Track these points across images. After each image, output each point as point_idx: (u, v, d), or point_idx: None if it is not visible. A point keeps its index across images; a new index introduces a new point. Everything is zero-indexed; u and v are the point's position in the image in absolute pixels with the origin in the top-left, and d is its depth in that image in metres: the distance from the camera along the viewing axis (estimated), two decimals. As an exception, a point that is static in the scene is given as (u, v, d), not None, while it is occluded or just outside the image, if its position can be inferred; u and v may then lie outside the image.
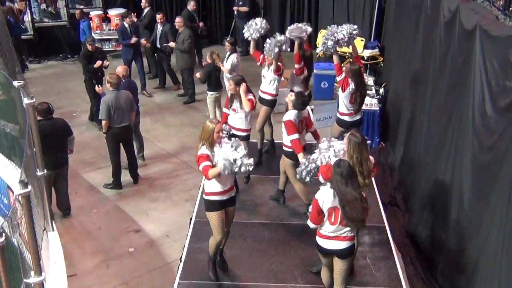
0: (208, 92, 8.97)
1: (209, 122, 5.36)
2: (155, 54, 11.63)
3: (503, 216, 4.20)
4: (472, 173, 5.00)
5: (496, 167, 4.42)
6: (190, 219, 7.00)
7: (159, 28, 11.08)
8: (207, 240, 6.23)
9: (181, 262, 6.22)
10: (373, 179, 6.36)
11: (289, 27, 7.98)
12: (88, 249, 6.66)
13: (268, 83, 7.77)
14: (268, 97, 7.82)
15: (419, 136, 7.01)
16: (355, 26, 7.43)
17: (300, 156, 6.15)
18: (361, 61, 10.71)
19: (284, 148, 6.54)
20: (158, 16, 11.11)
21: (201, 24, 12.50)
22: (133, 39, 10.85)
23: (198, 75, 8.91)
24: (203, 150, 5.31)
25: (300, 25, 7.92)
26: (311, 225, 4.91)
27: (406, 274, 6.08)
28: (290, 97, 6.43)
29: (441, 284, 5.70)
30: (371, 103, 9.13)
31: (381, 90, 9.93)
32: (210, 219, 5.55)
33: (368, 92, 9.57)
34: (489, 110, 4.66)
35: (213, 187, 5.38)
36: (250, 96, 6.79)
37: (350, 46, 7.66)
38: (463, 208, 5.17)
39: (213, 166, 5.14)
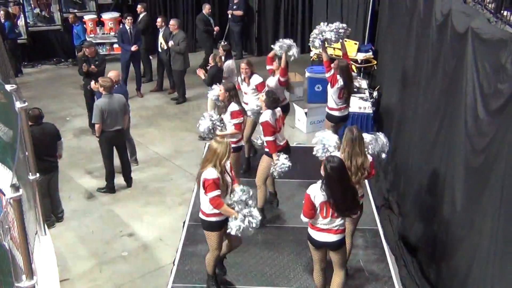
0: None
1: (217, 143, 5.09)
2: (157, 58, 11.67)
3: (495, 218, 4.21)
4: (465, 176, 5.01)
5: (488, 170, 4.44)
6: (184, 222, 7.01)
7: (161, 32, 11.12)
8: (200, 243, 6.24)
9: (174, 265, 6.22)
10: (366, 181, 6.38)
11: (278, 43, 7.89)
12: (81, 253, 6.63)
13: (252, 99, 7.74)
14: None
15: (412, 139, 7.03)
16: (344, 25, 7.47)
17: (274, 156, 6.41)
18: (355, 64, 10.86)
19: (266, 149, 6.60)
20: (159, 20, 11.18)
21: (216, 28, 12.56)
22: (133, 47, 10.91)
23: (200, 73, 8.80)
24: (213, 173, 5.05)
25: (287, 41, 7.85)
26: (303, 219, 5.03)
27: (399, 276, 6.10)
28: (262, 98, 6.49)
29: (434, 286, 5.71)
30: (364, 106, 9.14)
31: (375, 93, 9.95)
32: (209, 239, 5.43)
33: (362, 95, 9.61)
34: (481, 112, 4.67)
35: (213, 209, 5.21)
36: (235, 121, 6.68)
37: (339, 44, 7.72)
38: (456, 210, 5.18)
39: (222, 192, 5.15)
